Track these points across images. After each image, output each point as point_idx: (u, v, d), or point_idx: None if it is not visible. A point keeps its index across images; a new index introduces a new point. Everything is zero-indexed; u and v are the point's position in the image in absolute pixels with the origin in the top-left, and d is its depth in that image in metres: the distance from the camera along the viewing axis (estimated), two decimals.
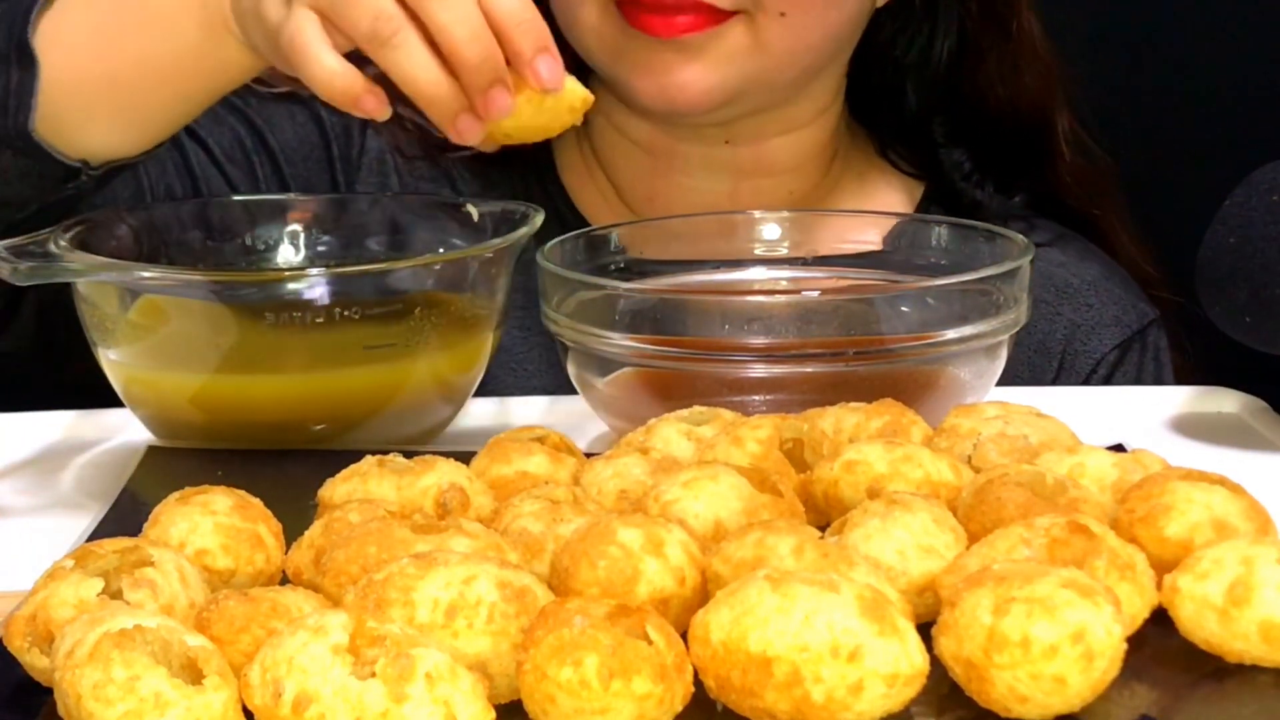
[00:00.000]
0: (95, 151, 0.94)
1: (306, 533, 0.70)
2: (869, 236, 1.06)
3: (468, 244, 0.98)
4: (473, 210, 1.00)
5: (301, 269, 0.99)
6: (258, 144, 1.17)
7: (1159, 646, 0.63)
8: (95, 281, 0.89)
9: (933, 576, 0.64)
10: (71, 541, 0.79)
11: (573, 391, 0.96)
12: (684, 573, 0.64)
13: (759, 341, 0.89)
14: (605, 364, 0.92)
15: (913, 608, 0.63)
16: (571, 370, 0.95)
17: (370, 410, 0.91)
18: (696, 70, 1.07)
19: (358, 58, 0.84)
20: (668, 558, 0.64)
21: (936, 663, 0.59)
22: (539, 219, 0.94)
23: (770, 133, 1.15)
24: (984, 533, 0.66)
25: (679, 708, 0.57)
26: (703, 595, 0.63)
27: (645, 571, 0.63)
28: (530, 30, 0.83)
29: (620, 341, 0.90)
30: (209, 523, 0.69)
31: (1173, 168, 1.34)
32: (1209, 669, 0.62)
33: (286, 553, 0.71)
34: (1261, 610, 0.61)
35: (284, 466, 0.86)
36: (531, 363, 1.15)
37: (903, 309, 0.91)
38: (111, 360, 0.92)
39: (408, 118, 1.15)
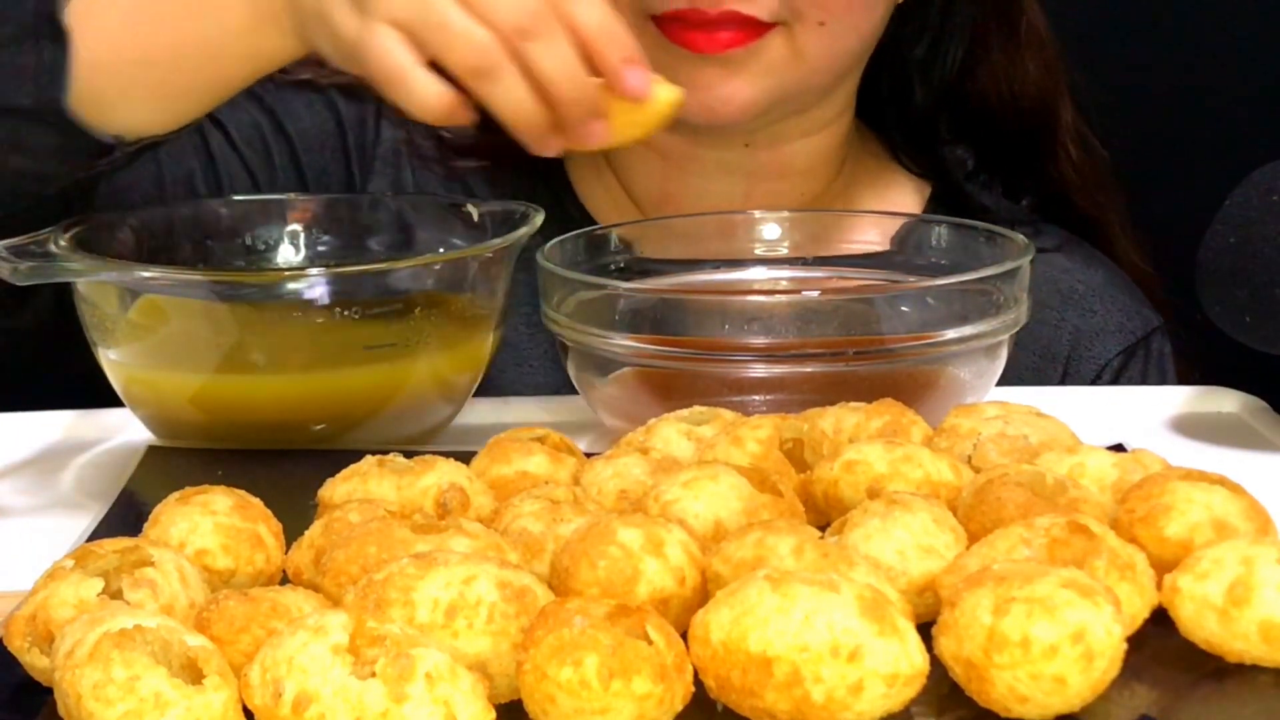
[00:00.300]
0: (128, 128, 0.94)
1: (306, 533, 0.70)
2: (870, 236, 1.06)
3: (468, 244, 0.98)
4: (473, 210, 1.00)
5: (301, 269, 0.99)
6: (275, 130, 1.17)
7: (1159, 646, 0.63)
8: (95, 281, 0.89)
9: (933, 576, 0.64)
10: (71, 541, 0.79)
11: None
12: (684, 573, 0.64)
13: (759, 341, 0.89)
14: (605, 364, 0.92)
15: (913, 608, 0.63)
16: (571, 370, 0.95)
17: (370, 410, 0.91)
18: (739, 84, 1.06)
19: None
20: (668, 558, 0.64)
21: (936, 663, 0.59)
22: (539, 219, 0.94)
23: (791, 136, 1.15)
24: (984, 533, 0.66)
25: (679, 708, 0.57)
26: (703, 595, 0.63)
27: (645, 571, 0.63)
28: (617, 42, 0.84)
29: (620, 341, 0.90)
30: (209, 523, 0.69)
31: (1172, 167, 1.34)
32: (1209, 669, 0.62)
33: (286, 553, 0.71)
34: (1261, 610, 0.61)
35: (284, 466, 0.86)
36: (536, 359, 1.15)
37: (903, 309, 0.91)
38: (111, 360, 0.92)
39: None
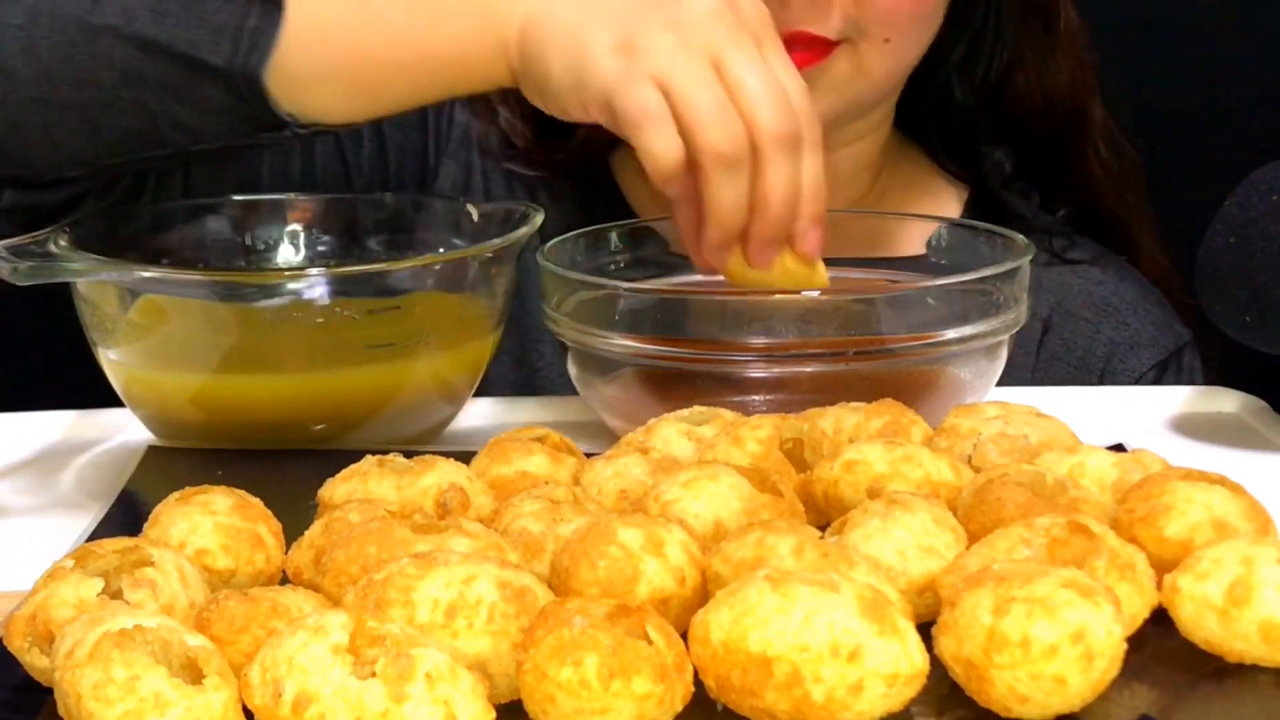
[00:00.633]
0: (307, 112, 0.94)
1: (306, 533, 0.70)
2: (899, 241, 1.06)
3: (468, 244, 0.98)
4: (473, 210, 1.01)
5: (301, 269, 0.99)
6: None
7: (1159, 646, 0.63)
8: (95, 281, 0.89)
9: (933, 576, 0.64)
10: (71, 541, 0.79)
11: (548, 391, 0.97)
12: (684, 573, 0.64)
13: (759, 341, 0.89)
14: (605, 364, 0.92)
15: (913, 608, 0.63)
16: (572, 370, 0.95)
17: (370, 410, 0.91)
18: None
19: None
20: (668, 558, 0.64)
21: (936, 663, 0.59)
22: (539, 219, 0.94)
23: (837, 144, 1.15)
24: (984, 533, 0.66)
25: (679, 708, 0.57)
26: (703, 595, 0.63)
27: (645, 571, 0.63)
28: (819, 200, 0.87)
29: (620, 341, 0.90)
30: (209, 523, 0.69)
31: (1172, 167, 1.34)
32: (1209, 669, 0.62)
33: (286, 553, 0.71)
34: (1261, 610, 0.61)
35: (284, 466, 0.86)
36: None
37: (903, 309, 0.91)
38: (111, 360, 0.92)
39: (503, 122, 1.17)
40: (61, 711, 0.56)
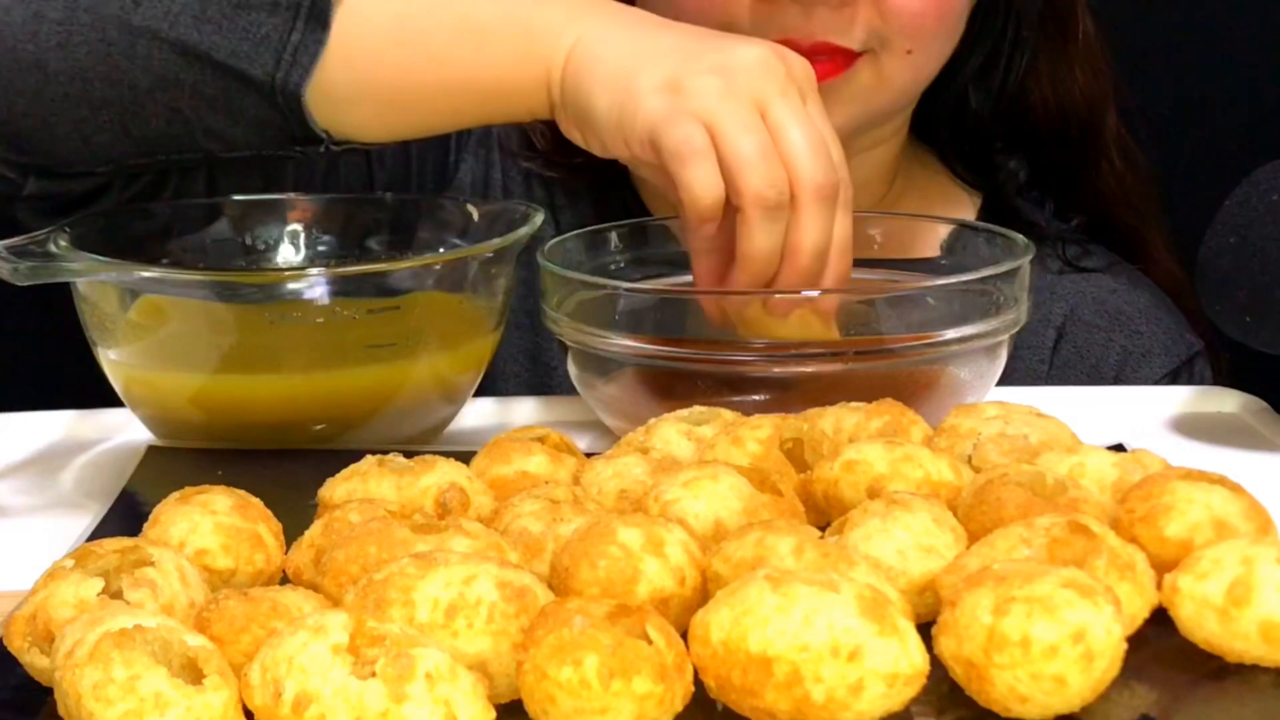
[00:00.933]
0: (346, 130, 0.94)
1: (306, 533, 0.70)
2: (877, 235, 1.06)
3: (468, 244, 0.98)
4: (473, 210, 1.00)
5: (301, 269, 0.99)
6: None
7: (1159, 646, 0.63)
8: (95, 281, 0.89)
9: (933, 576, 0.64)
10: (71, 541, 0.79)
11: (555, 391, 0.97)
12: (684, 573, 0.64)
13: (759, 341, 0.89)
14: (605, 364, 0.92)
15: (913, 608, 0.63)
16: (572, 370, 0.95)
17: (370, 410, 0.91)
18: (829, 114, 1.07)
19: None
20: (668, 558, 0.64)
21: (936, 663, 0.59)
22: (539, 218, 0.94)
23: (854, 151, 1.15)
24: (984, 533, 0.66)
25: (679, 708, 0.57)
26: (703, 595, 0.63)
27: (645, 571, 0.63)
28: (846, 259, 0.89)
29: (620, 341, 0.90)
30: (209, 523, 0.69)
31: (1172, 167, 1.34)
32: (1209, 669, 0.62)
33: (286, 553, 0.71)
34: (1261, 610, 0.61)
35: (284, 466, 0.86)
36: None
37: (903, 309, 0.91)
38: (111, 360, 0.92)
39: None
40: (61, 711, 0.56)
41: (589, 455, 0.80)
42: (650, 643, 0.56)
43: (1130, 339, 1.18)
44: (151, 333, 0.91)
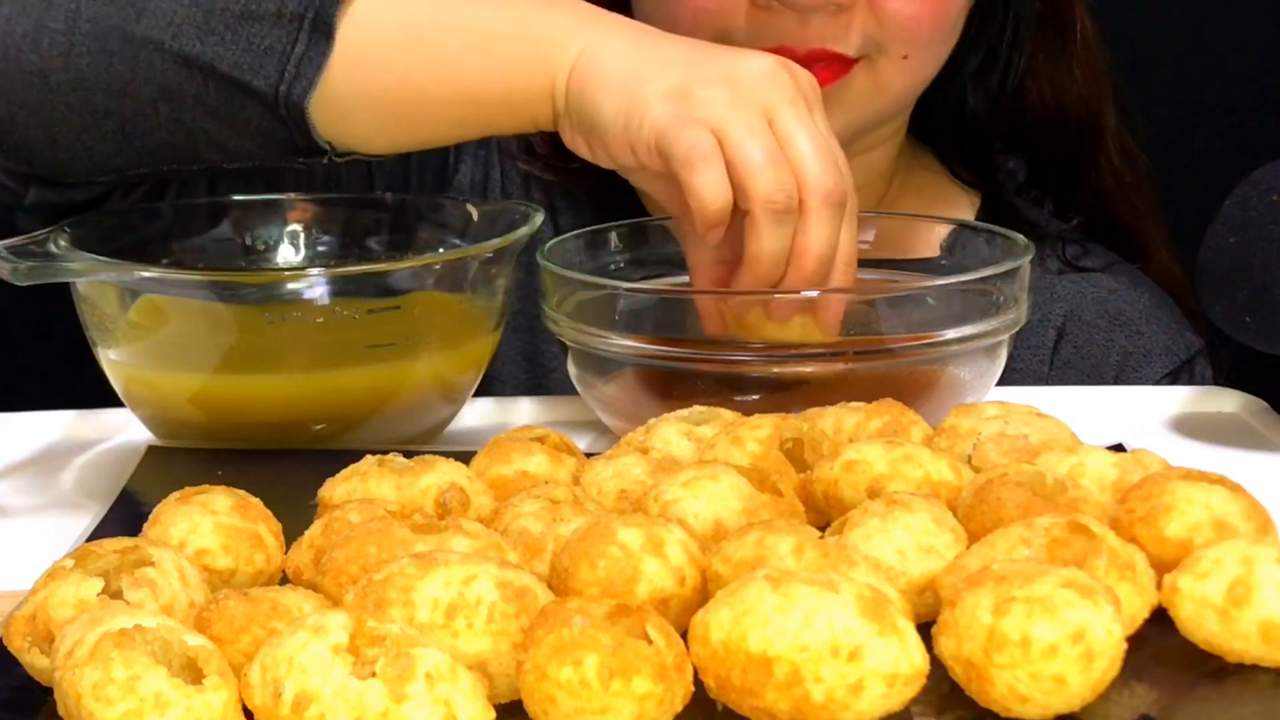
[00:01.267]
0: (349, 141, 0.94)
1: (306, 533, 0.70)
2: (865, 236, 1.06)
3: (468, 244, 0.98)
4: (473, 210, 1.00)
5: (301, 269, 0.99)
6: None
7: (1159, 646, 0.63)
8: (95, 281, 0.89)
9: (933, 576, 0.64)
10: (71, 541, 0.79)
11: (551, 393, 0.97)
12: (684, 573, 0.64)
13: (759, 342, 0.89)
14: (605, 364, 0.92)
15: (913, 608, 0.63)
16: (572, 370, 0.95)
17: (370, 410, 0.91)
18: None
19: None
20: (668, 558, 0.64)
21: (936, 663, 0.59)
22: (538, 218, 0.94)
23: (852, 154, 1.15)
24: (984, 533, 0.66)
25: (679, 708, 0.57)
26: (703, 595, 0.63)
27: (645, 571, 0.63)
28: (850, 268, 0.89)
29: (620, 341, 0.90)
30: (209, 523, 0.69)
31: (1172, 167, 1.34)
32: (1209, 669, 0.62)
33: (286, 553, 0.71)
34: (1261, 610, 0.61)
35: (284, 466, 0.86)
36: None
37: (903, 309, 0.91)
38: (111, 360, 0.92)
39: None
40: (61, 711, 0.56)
41: (589, 455, 0.80)
42: (650, 643, 0.56)
43: (1130, 339, 1.18)
44: (151, 333, 0.91)
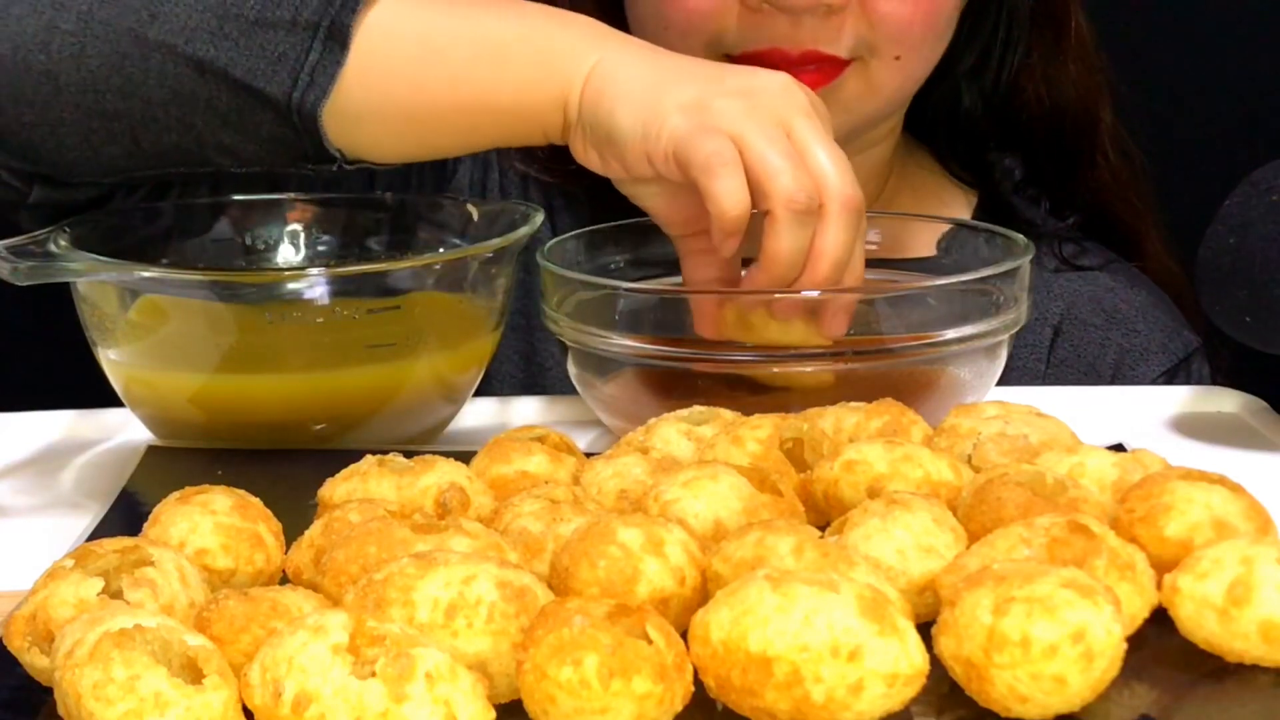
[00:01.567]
0: (360, 149, 0.94)
1: (306, 533, 0.70)
2: (872, 237, 1.06)
3: (468, 244, 0.98)
4: (473, 210, 1.00)
5: (301, 269, 0.99)
6: None
7: (1159, 646, 0.63)
8: (95, 281, 0.89)
9: (933, 576, 0.64)
10: (71, 541, 0.79)
11: (549, 393, 0.97)
12: (684, 573, 0.64)
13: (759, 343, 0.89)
14: (605, 364, 0.92)
15: (913, 608, 0.63)
16: (572, 370, 0.95)
17: (370, 410, 0.91)
18: None
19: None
20: (668, 557, 0.64)
21: (936, 663, 0.59)
22: (538, 218, 0.94)
23: (848, 154, 1.16)
24: (984, 532, 0.66)
25: (679, 708, 0.57)
26: (703, 595, 0.63)
27: (645, 571, 0.63)
28: (858, 282, 0.90)
29: (620, 341, 0.90)
30: (209, 522, 0.69)
31: (1171, 167, 1.34)
32: (1209, 669, 0.62)
33: (286, 553, 0.71)
34: (1261, 610, 0.61)
35: (284, 466, 0.86)
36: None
37: (903, 309, 0.91)
38: (111, 360, 0.92)
39: None
40: (61, 711, 0.56)
41: (589, 455, 0.80)
42: (650, 643, 0.56)
43: (1127, 337, 1.18)
44: (151, 333, 0.91)
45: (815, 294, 0.88)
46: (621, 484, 0.75)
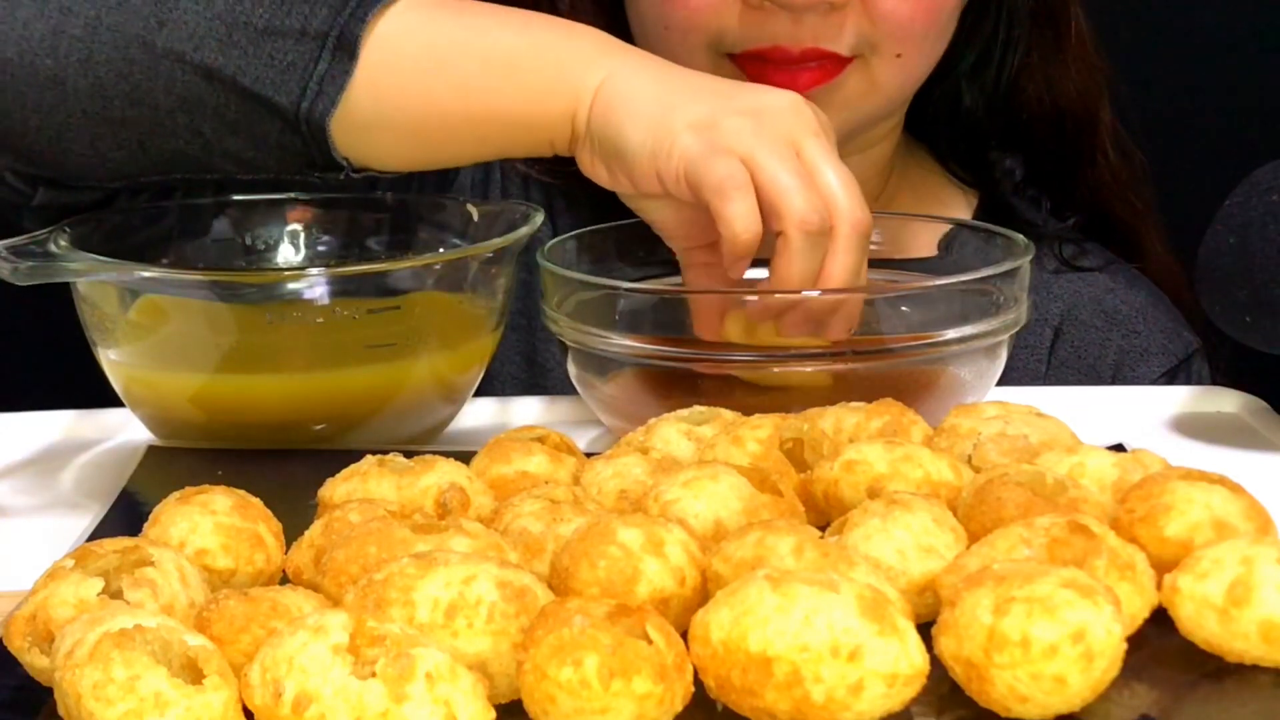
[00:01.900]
0: (368, 158, 0.94)
1: (306, 533, 0.70)
2: (873, 237, 1.06)
3: (468, 244, 0.98)
4: (473, 210, 1.00)
5: (301, 269, 0.99)
6: None
7: (1159, 646, 0.63)
8: (95, 281, 0.89)
9: (933, 576, 0.64)
10: (71, 541, 0.79)
11: (550, 393, 0.97)
12: (684, 573, 0.64)
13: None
14: (605, 364, 0.92)
15: (913, 608, 0.63)
16: (572, 370, 0.95)
17: (370, 410, 0.91)
18: None
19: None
20: (668, 558, 0.64)
21: (936, 663, 0.59)
22: (539, 218, 0.94)
23: (848, 153, 1.16)
24: (984, 533, 0.66)
25: (679, 708, 0.57)
26: (703, 595, 0.63)
27: (645, 571, 0.63)
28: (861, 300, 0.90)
29: (620, 341, 0.90)
30: (209, 522, 0.69)
31: (1173, 167, 1.34)
32: (1209, 669, 0.62)
33: (286, 553, 0.71)
34: (1261, 610, 0.61)
35: (284, 466, 0.86)
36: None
37: (903, 309, 0.91)
38: (111, 360, 0.92)
39: None
40: (61, 711, 0.56)
41: (589, 455, 0.80)
42: (650, 643, 0.56)
43: (1127, 338, 1.18)
44: (151, 333, 0.91)
45: (815, 294, 0.88)
46: (621, 484, 0.75)
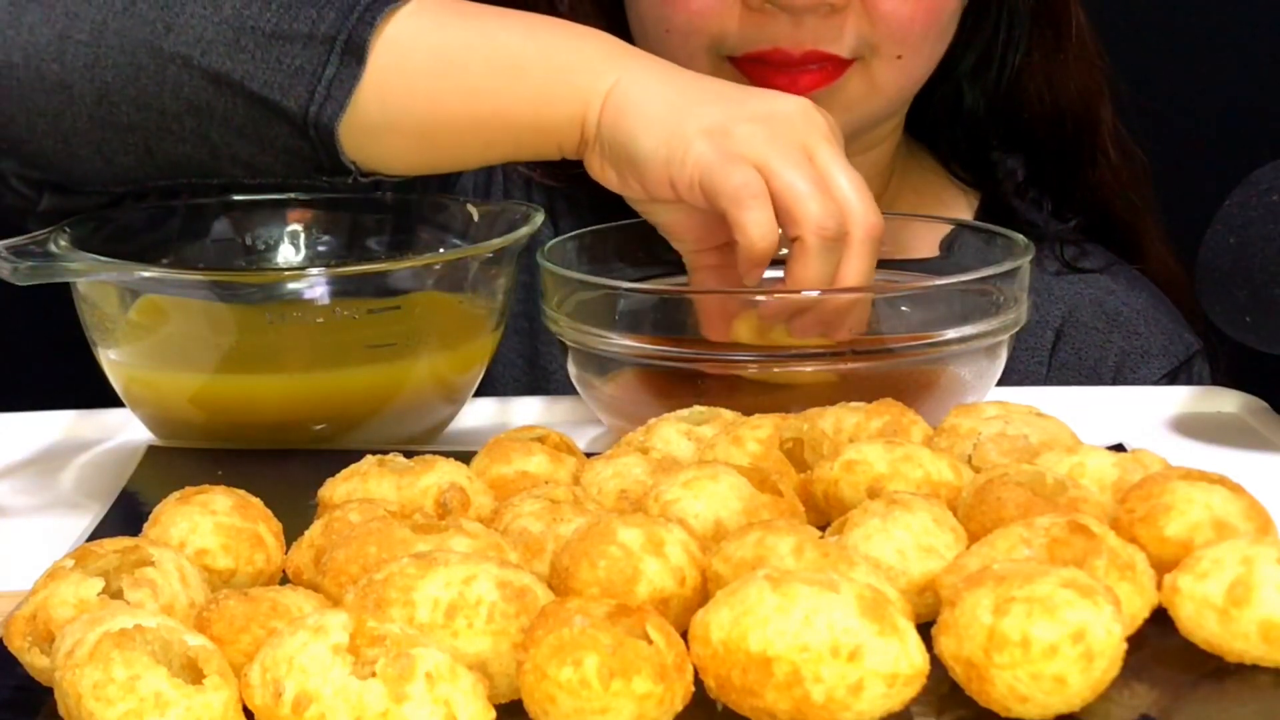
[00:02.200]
0: (376, 162, 0.94)
1: (306, 533, 0.70)
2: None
3: (468, 244, 0.98)
4: (473, 210, 1.00)
5: (301, 269, 0.99)
6: None
7: (1159, 646, 0.63)
8: (95, 281, 0.89)
9: (933, 576, 0.64)
10: (71, 541, 0.79)
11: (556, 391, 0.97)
12: (684, 573, 0.64)
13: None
14: (605, 364, 0.92)
15: (913, 608, 0.63)
16: (572, 370, 0.95)
17: (370, 410, 0.91)
18: None
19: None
20: (668, 558, 0.64)
21: (936, 663, 0.59)
22: (539, 219, 0.94)
23: (849, 154, 1.15)
24: (984, 533, 0.66)
25: (679, 708, 0.57)
26: (703, 595, 0.63)
27: (645, 571, 0.63)
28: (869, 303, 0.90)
29: (620, 341, 0.90)
30: (209, 522, 0.69)
31: (1173, 167, 1.34)
32: (1209, 669, 0.62)
33: (286, 553, 0.71)
34: (1261, 610, 0.61)
35: (284, 466, 0.86)
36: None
37: (903, 309, 0.91)
38: (111, 360, 0.92)
39: None
40: (61, 711, 0.56)
41: (589, 455, 0.80)
42: (650, 643, 0.56)
43: (1128, 340, 1.18)
44: (151, 333, 0.91)
45: (815, 294, 0.88)
46: (621, 484, 0.75)
